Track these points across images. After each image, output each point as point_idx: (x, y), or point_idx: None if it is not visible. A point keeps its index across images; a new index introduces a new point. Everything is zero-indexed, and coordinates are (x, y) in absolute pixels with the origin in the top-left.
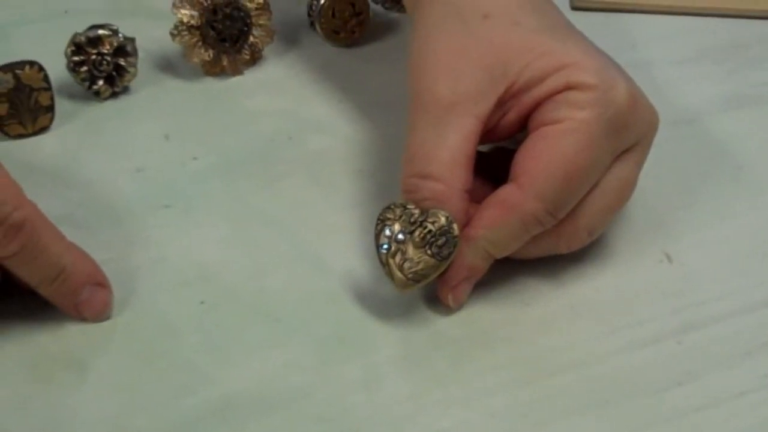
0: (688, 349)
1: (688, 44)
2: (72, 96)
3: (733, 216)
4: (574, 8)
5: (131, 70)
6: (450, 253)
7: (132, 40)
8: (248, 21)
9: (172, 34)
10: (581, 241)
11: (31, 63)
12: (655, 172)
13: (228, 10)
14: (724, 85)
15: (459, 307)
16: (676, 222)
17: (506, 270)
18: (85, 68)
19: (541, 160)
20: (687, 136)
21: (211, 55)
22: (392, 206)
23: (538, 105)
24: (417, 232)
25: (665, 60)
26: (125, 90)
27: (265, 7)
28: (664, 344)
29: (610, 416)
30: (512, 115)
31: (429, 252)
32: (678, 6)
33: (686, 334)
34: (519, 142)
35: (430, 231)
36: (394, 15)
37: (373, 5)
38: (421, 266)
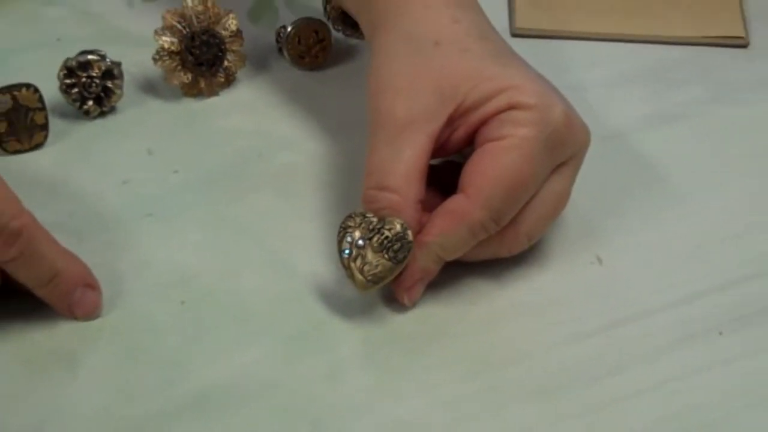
0: (617, 343)
1: (616, 68)
2: (64, 115)
3: (657, 223)
4: (514, 35)
5: (118, 91)
6: (405, 257)
7: (118, 64)
8: (223, 47)
9: (154, 59)
10: (521, 245)
11: (28, 85)
12: (587, 183)
13: (204, 37)
14: (648, 104)
15: (413, 305)
16: (606, 228)
17: (455, 272)
18: (76, 90)
19: (487, 173)
20: (615, 150)
21: (190, 78)
22: (353, 215)
23: (483, 123)
24: (375, 238)
25: (596, 82)
26: (112, 109)
27: (238, 35)
28: (596, 339)
29: (548, 404)
30: (460, 132)
31: (386, 256)
32: (607, 33)
33: (616, 329)
34: (466, 157)
35: (387, 237)
36: (354, 42)
37: (334, 33)
38: (379, 269)
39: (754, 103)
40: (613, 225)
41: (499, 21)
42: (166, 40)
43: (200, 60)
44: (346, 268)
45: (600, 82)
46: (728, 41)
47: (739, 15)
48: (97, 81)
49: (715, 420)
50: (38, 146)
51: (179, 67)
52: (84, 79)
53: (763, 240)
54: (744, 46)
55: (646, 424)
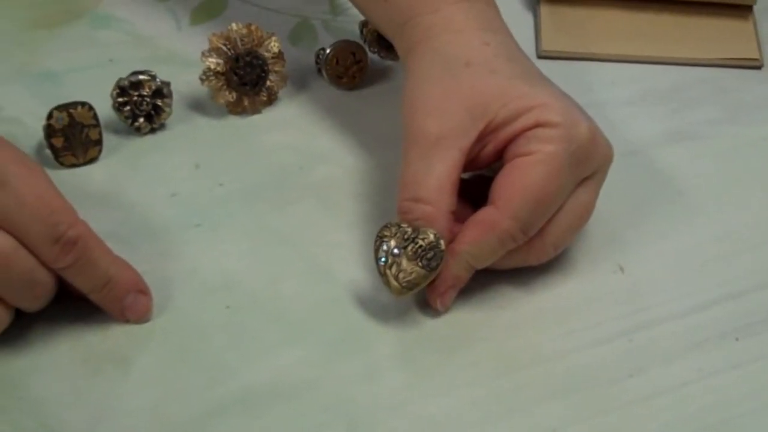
0: (637, 347)
1: (637, 87)
2: (117, 131)
3: (675, 234)
4: (541, 57)
5: (167, 109)
6: (438, 265)
7: (168, 84)
8: (265, 68)
9: (201, 79)
10: (548, 254)
11: (83, 103)
12: (610, 196)
13: (248, 59)
14: (667, 122)
15: (445, 310)
16: (627, 239)
17: (485, 279)
18: (128, 108)
19: (516, 186)
20: (636, 166)
21: (234, 97)
22: (389, 225)
23: (512, 139)
24: (410, 247)
25: (617, 101)
26: (162, 126)
27: (279, 56)
28: (618, 342)
29: (571, 404)
30: (490, 148)
31: (420, 264)
32: (627, 55)
33: (636, 333)
34: (495, 171)
35: (421, 246)
36: (389, 63)
37: (371, 54)
38: (413, 276)
39: (767, 124)
40: (634, 235)
41: (527, 44)
42: (213, 62)
43: (244, 80)
44: (382, 275)
45: (621, 101)
46: (743, 63)
47: (754, 38)
48: (148, 99)
49: (730, 421)
50: (92, 160)
51: (225, 87)
52: (135, 98)
53: None
54: (758, 67)
55: (664, 424)
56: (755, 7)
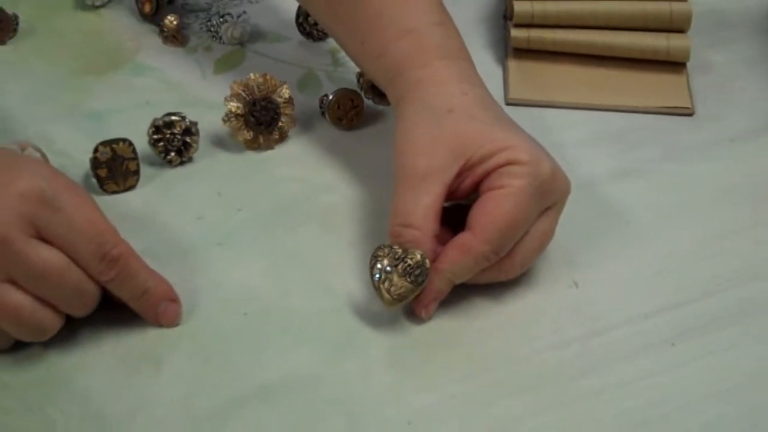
0: (590, 350)
1: (589, 131)
2: (152, 164)
3: (622, 256)
4: (508, 104)
5: (195, 145)
6: (424, 281)
7: (195, 123)
8: (278, 111)
9: (223, 120)
10: (515, 272)
11: (123, 140)
12: (567, 223)
13: (263, 103)
14: (614, 161)
15: (429, 319)
16: (581, 259)
17: (462, 292)
18: (161, 144)
19: (490, 215)
20: (589, 198)
21: (251, 135)
22: (382, 246)
23: (487, 175)
24: (400, 266)
25: (573, 142)
26: (190, 160)
27: (290, 102)
28: (573, 346)
29: (533, 399)
30: (468, 182)
31: (408, 280)
32: (581, 103)
33: (589, 339)
34: (472, 201)
35: (409, 265)
36: (382, 108)
37: (366, 100)
38: (402, 290)
39: (698, 162)
40: (587, 256)
41: (497, 92)
42: (233, 105)
43: (260, 121)
44: (376, 288)
45: (576, 142)
46: (677, 111)
47: (686, 89)
48: (179, 137)
49: (667, 414)
50: (131, 188)
51: (243, 127)
52: (168, 135)
53: (706, 268)
54: (690, 114)
55: (612, 416)
56: (688, 64)
